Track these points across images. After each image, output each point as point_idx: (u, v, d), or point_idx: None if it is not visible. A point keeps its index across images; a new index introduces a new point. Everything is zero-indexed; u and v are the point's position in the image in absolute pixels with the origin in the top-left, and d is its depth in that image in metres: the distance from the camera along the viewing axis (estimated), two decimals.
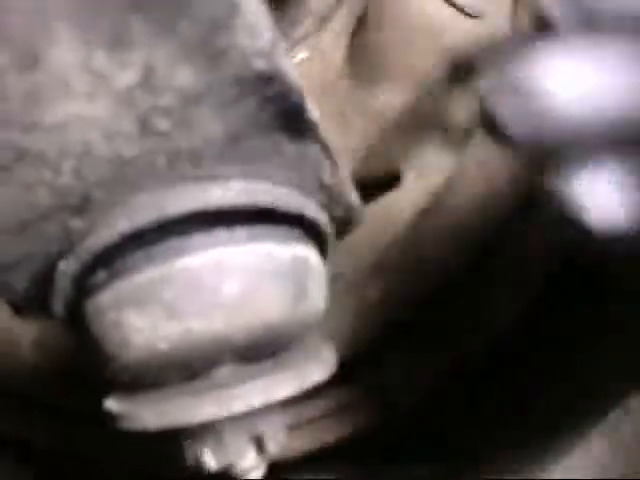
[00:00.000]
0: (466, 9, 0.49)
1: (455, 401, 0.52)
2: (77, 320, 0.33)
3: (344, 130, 0.51)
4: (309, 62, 0.54)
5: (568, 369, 0.48)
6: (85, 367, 0.39)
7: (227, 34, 0.25)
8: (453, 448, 0.53)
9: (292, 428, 0.49)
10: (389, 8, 0.51)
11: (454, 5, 0.49)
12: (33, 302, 0.34)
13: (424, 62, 0.50)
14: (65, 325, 0.34)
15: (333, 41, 0.54)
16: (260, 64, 0.26)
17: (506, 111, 0.25)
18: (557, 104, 0.25)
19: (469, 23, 0.49)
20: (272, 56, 0.26)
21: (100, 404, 0.34)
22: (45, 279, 0.33)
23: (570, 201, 0.26)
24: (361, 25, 0.53)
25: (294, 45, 0.53)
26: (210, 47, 0.25)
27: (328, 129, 0.32)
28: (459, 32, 0.49)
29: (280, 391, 0.32)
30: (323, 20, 0.54)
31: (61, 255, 0.32)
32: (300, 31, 0.53)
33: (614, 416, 0.42)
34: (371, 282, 0.45)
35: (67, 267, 0.32)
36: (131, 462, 0.52)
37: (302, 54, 0.53)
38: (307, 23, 0.53)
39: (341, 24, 0.54)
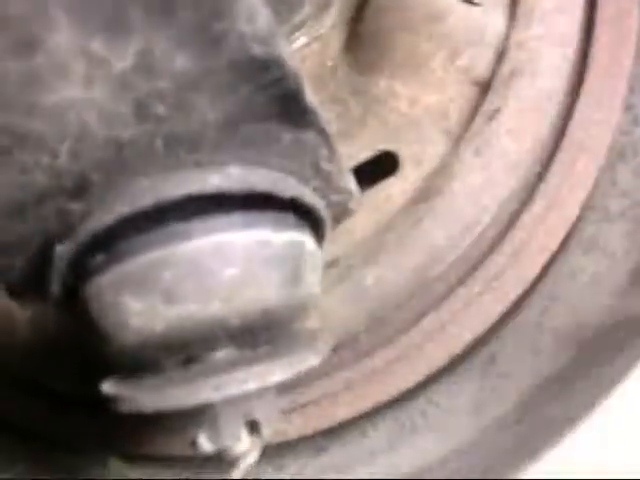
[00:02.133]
0: None
1: None
2: (74, 303, 0.33)
3: (343, 116, 0.51)
4: (308, 48, 0.54)
5: None
6: (81, 349, 0.39)
7: (225, 19, 0.25)
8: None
9: (287, 412, 0.50)
10: None
11: None
12: (30, 285, 0.34)
13: (424, 48, 0.49)
14: (62, 308, 0.35)
15: (332, 27, 0.54)
16: (257, 50, 0.26)
17: None
18: None
19: (469, 10, 0.49)
20: (270, 42, 0.26)
21: (95, 386, 0.34)
22: (42, 262, 0.33)
23: None
24: (361, 11, 0.53)
25: (293, 31, 0.53)
26: (208, 32, 0.25)
27: (326, 114, 0.32)
28: (459, 18, 0.49)
29: (274, 376, 0.32)
30: (322, 5, 0.54)
31: (58, 238, 0.32)
32: (299, 16, 0.52)
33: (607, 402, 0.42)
34: (367, 268, 0.46)
35: (65, 250, 0.32)
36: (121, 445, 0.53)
37: (301, 40, 0.53)
38: (306, 8, 0.53)
39: (340, 10, 0.54)
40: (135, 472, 0.55)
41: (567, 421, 0.43)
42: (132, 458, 0.55)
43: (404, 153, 0.49)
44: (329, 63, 0.54)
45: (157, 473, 0.55)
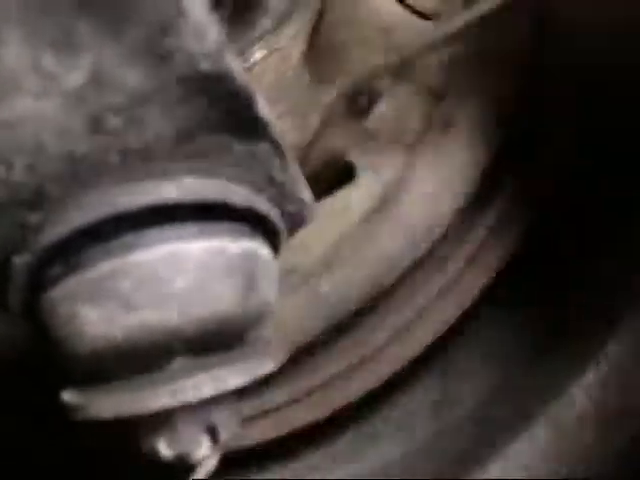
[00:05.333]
0: (419, 9, 0.50)
1: None
2: (33, 314, 0.34)
3: (301, 127, 0.52)
4: (267, 61, 0.54)
5: None
6: (41, 360, 0.40)
7: (173, 36, 0.26)
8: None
9: (249, 419, 0.50)
10: (344, 7, 0.52)
11: (407, 5, 0.51)
12: None
13: (376, 60, 0.51)
14: (21, 320, 0.35)
15: (290, 40, 0.55)
16: (206, 65, 0.27)
17: None
18: None
19: (421, 23, 0.50)
20: (218, 57, 0.27)
21: (55, 396, 0.35)
22: (1, 274, 0.33)
23: None
24: (318, 24, 0.54)
25: (252, 44, 0.53)
26: (157, 49, 0.26)
27: (283, 126, 0.33)
28: (411, 31, 0.50)
29: (230, 381, 0.32)
30: (282, 19, 0.55)
31: (16, 250, 0.32)
32: (258, 30, 0.53)
33: (556, 403, 0.43)
34: (323, 276, 0.46)
35: (22, 262, 0.32)
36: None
37: (260, 53, 0.54)
38: (265, 22, 0.54)
39: (298, 23, 0.55)
40: None
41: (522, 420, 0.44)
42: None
43: (360, 162, 0.50)
44: (288, 75, 0.54)
45: None
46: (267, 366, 0.34)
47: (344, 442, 0.55)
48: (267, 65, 0.54)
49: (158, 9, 0.25)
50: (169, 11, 0.25)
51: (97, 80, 0.26)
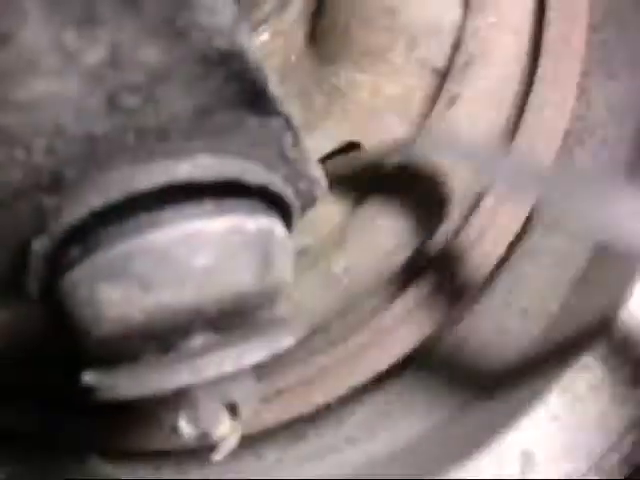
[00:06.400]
0: None
1: None
2: (52, 298, 0.34)
3: (308, 108, 0.52)
4: (271, 43, 0.55)
5: None
6: (61, 346, 0.40)
7: (188, 12, 0.26)
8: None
9: (264, 399, 0.51)
10: None
11: None
12: (8, 284, 0.35)
13: (383, 40, 0.51)
14: (40, 305, 0.35)
15: (294, 22, 0.55)
16: (221, 41, 0.27)
17: None
18: None
19: (425, 1, 0.51)
20: (233, 33, 0.27)
21: (74, 383, 0.35)
22: (19, 259, 0.33)
23: None
24: (321, 5, 0.54)
25: (256, 27, 0.54)
26: (173, 25, 0.26)
27: (291, 106, 0.33)
28: (416, 10, 0.50)
29: (250, 357, 0.33)
30: (284, 1, 0.55)
31: (35, 234, 0.32)
32: (261, 13, 0.53)
33: (570, 372, 0.44)
34: (336, 256, 0.47)
35: (40, 245, 0.32)
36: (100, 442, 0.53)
37: (264, 35, 0.54)
38: (268, 5, 0.54)
39: (302, 5, 0.55)
40: (115, 469, 0.56)
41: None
42: (111, 455, 0.56)
43: (368, 142, 0.50)
44: (292, 57, 0.55)
45: (136, 468, 0.56)
46: (286, 341, 0.34)
47: (358, 421, 0.55)
48: (271, 48, 0.55)
49: None
50: None
51: (115, 58, 0.27)
